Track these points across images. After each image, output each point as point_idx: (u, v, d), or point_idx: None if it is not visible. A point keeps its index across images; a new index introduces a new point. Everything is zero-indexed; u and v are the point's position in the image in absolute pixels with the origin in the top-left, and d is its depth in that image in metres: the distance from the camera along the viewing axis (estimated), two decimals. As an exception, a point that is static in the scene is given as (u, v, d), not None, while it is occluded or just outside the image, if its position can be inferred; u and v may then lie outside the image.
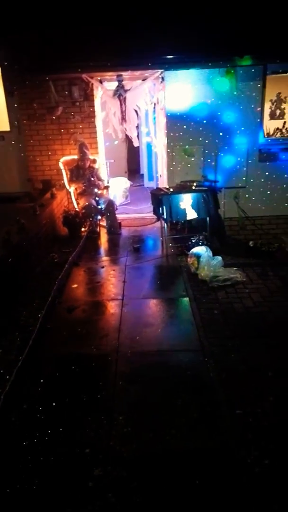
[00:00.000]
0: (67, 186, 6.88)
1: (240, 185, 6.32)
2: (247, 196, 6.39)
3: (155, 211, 5.97)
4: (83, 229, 6.62)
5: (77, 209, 6.72)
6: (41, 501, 2.24)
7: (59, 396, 3.00)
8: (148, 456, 2.50)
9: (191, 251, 5.24)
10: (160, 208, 5.71)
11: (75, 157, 6.76)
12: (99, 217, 6.76)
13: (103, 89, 6.56)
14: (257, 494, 2.24)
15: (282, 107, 6.06)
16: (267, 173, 6.26)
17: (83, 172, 6.67)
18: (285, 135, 6.25)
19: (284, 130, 6.25)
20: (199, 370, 3.30)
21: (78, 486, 2.31)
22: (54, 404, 2.93)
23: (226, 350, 3.56)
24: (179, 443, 2.59)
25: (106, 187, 7.12)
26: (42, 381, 3.18)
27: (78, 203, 6.79)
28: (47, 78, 6.29)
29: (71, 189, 6.85)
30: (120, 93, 6.32)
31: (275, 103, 6.04)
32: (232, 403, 2.92)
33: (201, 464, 2.44)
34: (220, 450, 2.53)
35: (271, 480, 2.32)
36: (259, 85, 5.86)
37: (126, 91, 6.40)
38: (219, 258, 5.12)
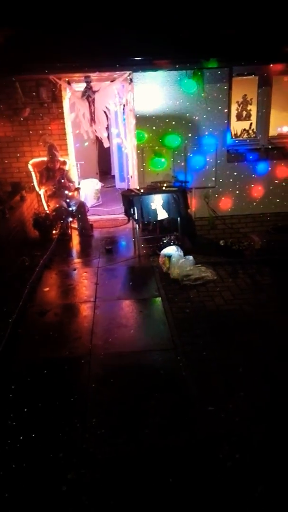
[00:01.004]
0: (37, 188, 6.78)
1: (209, 185, 6.42)
2: (216, 196, 6.50)
3: (126, 212, 5.98)
4: (54, 231, 6.54)
5: (47, 212, 6.65)
6: (15, 508, 2.21)
7: (31, 401, 2.96)
8: (122, 457, 2.51)
9: (162, 251, 5.28)
10: (131, 209, 5.72)
11: (45, 159, 6.68)
12: (70, 219, 6.70)
13: (71, 90, 6.52)
14: (229, 487, 2.29)
15: (248, 108, 6.20)
16: (235, 173, 6.39)
17: (53, 174, 6.60)
18: (252, 136, 6.40)
19: (250, 131, 6.39)
20: (172, 369, 3.34)
21: (52, 491, 2.29)
22: (26, 410, 2.89)
23: (198, 348, 3.62)
24: (153, 443, 2.61)
25: (77, 189, 7.07)
26: (13, 387, 3.13)
27: (48, 206, 6.71)
28: (13, 79, 6.18)
29: (41, 191, 6.76)
30: (88, 94, 6.29)
31: (241, 105, 6.17)
32: (205, 400, 2.96)
33: (174, 462, 2.46)
34: (193, 447, 2.57)
35: (241, 473, 2.38)
36: (225, 87, 5.98)
37: (94, 92, 6.38)
38: (190, 257, 5.18)
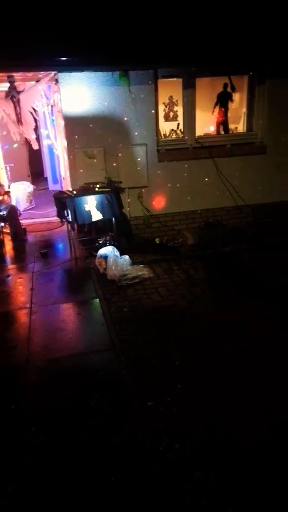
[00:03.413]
0: None
1: (142, 184, 6.51)
2: (150, 195, 6.62)
3: (60, 215, 5.90)
4: (-16, 238, 6.27)
5: (-24, 217, 6.35)
6: None
7: None
8: (62, 465, 2.49)
9: (98, 252, 5.29)
10: (65, 212, 5.65)
11: None
12: (2, 224, 6.46)
13: (-6, 90, 6.28)
14: (169, 477, 2.37)
15: (175, 109, 6.40)
16: (166, 172, 6.55)
17: (-21, 178, 6.31)
18: (180, 136, 6.61)
19: (178, 131, 6.59)
20: (111, 369, 3.37)
21: (-10, 508, 2.21)
22: None
23: (137, 345, 3.68)
24: (94, 445, 2.61)
25: (7, 193, 6.84)
26: None
27: (-23, 211, 6.41)
28: None
29: None
30: (12, 94, 6.09)
31: (168, 106, 6.35)
32: (144, 396, 3.03)
33: (116, 461, 2.49)
34: (133, 444, 2.62)
35: (180, 462, 2.47)
36: (151, 89, 6.09)
37: (19, 92, 6.19)
38: (126, 257, 5.25)
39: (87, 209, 5.58)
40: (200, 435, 2.67)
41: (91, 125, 6.10)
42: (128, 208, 6.52)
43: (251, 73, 6.40)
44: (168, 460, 2.49)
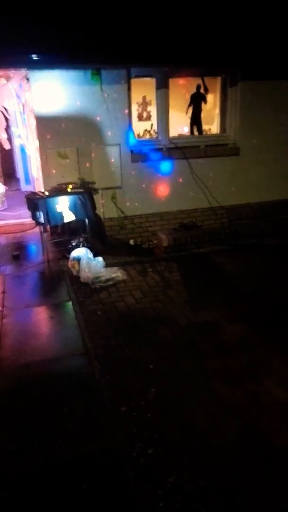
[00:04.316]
0: None
1: (116, 185, 6.46)
2: (123, 196, 6.56)
3: (33, 216, 5.77)
4: None
5: None
6: None
7: None
8: (34, 472, 2.42)
9: (71, 255, 5.21)
10: (37, 213, 5.53)
11: None
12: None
13: None
14: (142, 484, 2.34)
15: (148, 109, 6.37)
16: (140, 173, 6.52)
17: None
18: (154, 136, 6.59)
19: (152, 132, 6.57)
20: (84, 374, 3.32)
21: None
22: None
23: (110, 349, 3.64)
24: (65, 452, 2.56)
25: (-23, 193, 6.64)
26: None
27: None
28: None
29: None
30: (-18, 93, 5.94)
31: (141, 106, 6.31)
32: (118, 401, 2.99)
33: (88, 468, 2.44)
34: (106, 450, 2.58)
35: (154, 467, 2.45)
36: (124, 88, 6.05)
37: (-11, 91, 6.04)
38: (100, 259, 5.19)
39: (59, 210, 5.49)
40: (173, 438, 2.66)
41: (63, 125, 6.00)
42: (102, 209, 6.45)
43: (223, 75, 6.46)
44: (141, 466, 2.46)
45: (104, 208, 6.49)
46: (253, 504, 2.22)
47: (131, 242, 6.36)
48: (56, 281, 5.09)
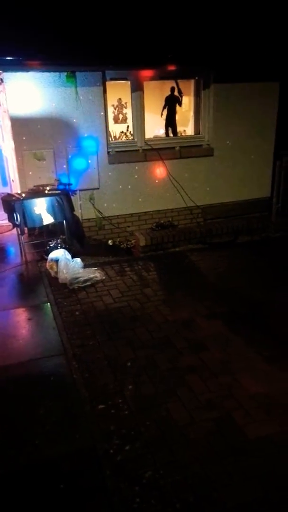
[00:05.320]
0: None
1: (94, 186, 6.48)
2: (101, 197, 6.60)
3: (9, 218, 5.74)
4: None
5: None
6: None
7: None
8: (10, 475, 2.44)
9: (49, 256, 5.21)
10: (14, 215, 5.50)
11: None
12: None
13: None
14: (119, 481, 2.40)
15: (124, 112, 6.41)
16: (117, 174, 6.57)
17: None
18: (130, 138, 6.65)
19: (128, 134, 6.63)
20: (62, 374, 3.35)
21: None
22: None
23: (88, 349, 3.68)
24: (43, 453, 2.59)
25: None
26: None
27: None
28: None
29: None
30: None
31: (117, 108, 6.35)
32: (96, 400, 3.04)
33: (65, 468, 2.48)
34: (83, 449, 2.62)
35: (131, 463, 2.51)
36: (100, 91, 6.08)
37: None
38: (78, 260, 5.22)
39: (37, 212, 5.48)
40: (150, 434, 2.72)
41: (39, 126, 5.99)
42: (80, 211, 6.47)
43: (196, 78, 6.57)
44: (118, 463, 2.52)
45: (82, 209, 6.51)
46: (228, 496, 2.30)
47: (110, 242, 6.40)
48: (34, 282, 5.09)
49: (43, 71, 5.73)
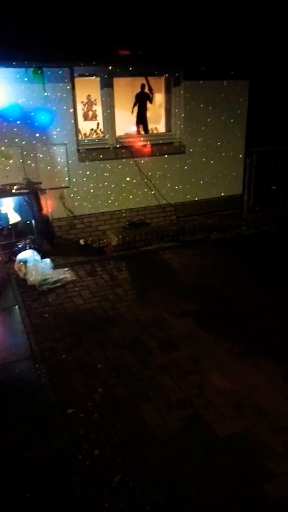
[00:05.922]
0: None
1: (64, 185, 6.36)
2: (72, 195, 6.48)
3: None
4: None
5: None
6: None
7: None
8: (-26, 485, 2.34)
9: (17, 257, 5.07)
10: (-20, 215, 5.35)
11: None
12: None
13: None
14: (88, 486, 2.34)
15: (94, 109, 6.32)
16: (88, 172, 6.47)
17: None
18: (100, 135, 6.55)
19: (98, 131, 6.53)
20: (30, 379, 3.25)
21: None
22: None
23: (57, 352, 3.60)
24: (9, 461, 2.50)
25: None
26: None
27: None
28: None
29: None
30: None
31: (86, 105, 6.24)
32: (65, 404, 2.97)
33: (31, 476, 2.40)
34: (51, 455, 2.55)
35: (100, 468, 2.45)
36: (68, 87, 5.95)
37: None
38: (47, 260, 5.11)
39: (3, 211, 5.33)
40: (120, 437, 2.68)
41: (5, 123, 5.81)
42: (50, 210, 6.33)
43: (166, 75, 6.54)
44: (87, 468, 2.46)
45: (52, 208, 6.37)
46: (198, 495, 2.28)
47: (81, 241, 6.29)
48: (2, 285, 4.93)
49: (7, 66, 5.57)
